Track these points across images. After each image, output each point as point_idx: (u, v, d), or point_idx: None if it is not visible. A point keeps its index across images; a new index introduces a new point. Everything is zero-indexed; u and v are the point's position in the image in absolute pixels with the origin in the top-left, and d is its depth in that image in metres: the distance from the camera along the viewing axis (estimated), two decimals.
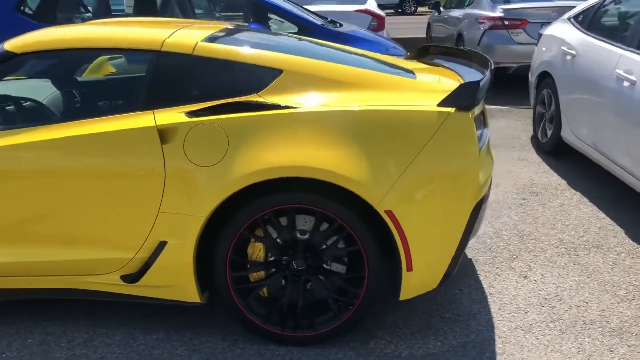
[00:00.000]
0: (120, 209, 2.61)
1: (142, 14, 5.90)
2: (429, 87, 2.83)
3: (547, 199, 4.38)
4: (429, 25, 11.35)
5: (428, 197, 2.52)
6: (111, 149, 2.59)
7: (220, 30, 3.11)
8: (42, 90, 3.01)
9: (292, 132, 2.52)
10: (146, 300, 2.72)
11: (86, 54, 2.85)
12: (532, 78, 5.82)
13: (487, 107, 7.33)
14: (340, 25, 6.26)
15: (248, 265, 2.70)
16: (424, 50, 3.88)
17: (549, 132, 5.34)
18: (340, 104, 2.58)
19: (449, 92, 2.55)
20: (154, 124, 2.56)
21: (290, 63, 2.76)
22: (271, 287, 2.72)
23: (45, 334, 2.81)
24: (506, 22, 7.62)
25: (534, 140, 5.76)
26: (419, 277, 2.60)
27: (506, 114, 7.00)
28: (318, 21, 5.89)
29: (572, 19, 5.28)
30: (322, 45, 3.42)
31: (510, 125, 6.46)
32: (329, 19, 6.43)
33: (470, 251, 3.59)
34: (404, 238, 2.51)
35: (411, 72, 3.12)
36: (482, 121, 2.95)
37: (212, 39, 2.85)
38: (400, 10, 24.51)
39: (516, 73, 7.69)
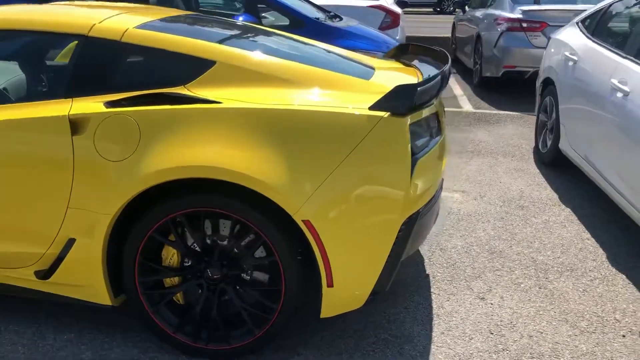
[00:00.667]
0: (32, 201, 2.47)
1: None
2: (379, 88, 2.58)
3: (532, 214, 4.08)
4: (454, 25, 10.97)
5: (352, 208, 2.29)
6: (23, 137, 2.45)
7: (165, 18, 2.93)
8: None
9: (209, 129, 2.32)
10: (58, 298, 2.58)
11: (9, 35, 2.72)
12: (538, 84, 5.50)
13: (498, 112, 7.08)
14: (340, 19, 6.02)
15: (159, 270, 2.52)
16: (402, 49, 3.65)
17: (549, 143, 5.01)
18: (267, 102, 2.37)
19: (382, 95, 2.32)
20: (67, 113, 2.40)
21: (226, 55, 2.57)
22: (186, 295, 2.54)
23: None
24: (524, 25, 7.24)
25: (536, 150, 5.43)
26: (342, 294, 2.38)
27: (515, 120, 6.66)
28: (312, 15, 5.67)
29: (579, 23, 4.93)
30: (279, 37, 3.21)
31: (516, 133, 6.13)
32: (331, 13, 6.20)
33: (430, 265, 3.34)
34: (324, 251, 2.30)
35: (371, 70, 2.89)
36: (434, 126, 2.71)
37: (147, 25, 2.68)
38: (439, 9, 23.96)
39: (533, 78, 7.30)
